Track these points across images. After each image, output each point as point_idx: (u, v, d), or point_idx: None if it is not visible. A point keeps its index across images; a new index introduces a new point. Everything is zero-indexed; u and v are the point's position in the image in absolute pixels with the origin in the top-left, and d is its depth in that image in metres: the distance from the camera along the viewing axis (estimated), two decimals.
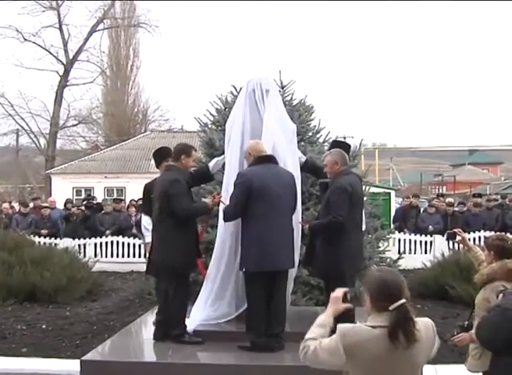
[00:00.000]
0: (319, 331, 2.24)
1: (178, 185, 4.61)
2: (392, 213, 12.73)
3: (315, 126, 7.79)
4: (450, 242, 9.73)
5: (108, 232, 11.22)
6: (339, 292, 2.34)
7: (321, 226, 4.52)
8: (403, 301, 2.16)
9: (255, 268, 4.35)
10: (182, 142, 5.35)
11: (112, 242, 11.15)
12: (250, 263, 4.35)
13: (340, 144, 5.54)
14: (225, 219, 4.58)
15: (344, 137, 32.18)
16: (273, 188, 4.44)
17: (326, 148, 7.08)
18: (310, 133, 7.76)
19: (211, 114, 7.81)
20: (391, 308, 2.15)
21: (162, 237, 4.63)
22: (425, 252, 10.90)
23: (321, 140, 7.65)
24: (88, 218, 11.44)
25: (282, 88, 7.71)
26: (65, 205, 12.62)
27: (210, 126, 7.85)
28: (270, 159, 4.60)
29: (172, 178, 4.65)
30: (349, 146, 5.71)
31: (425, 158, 74.68)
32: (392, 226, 11.25)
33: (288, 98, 7.88)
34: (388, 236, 7.80)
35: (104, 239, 11.16)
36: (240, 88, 7.33)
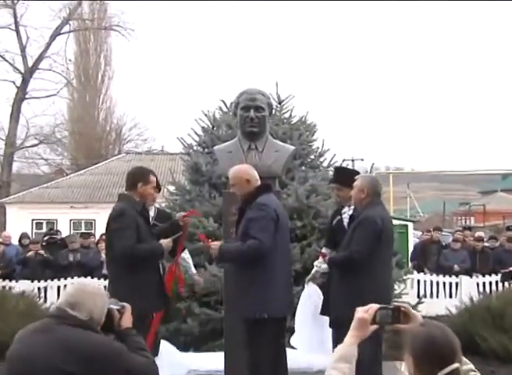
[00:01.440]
0: (344, 367, 2.04)
1: (121, 219, 4.59)
2: (410, 249, 12.78)
3: (318, 147, 7.92)
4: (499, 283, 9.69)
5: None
6: (366, 312, 2.18)
7: (335, 260, 4.66)
8: (457, 365, 2.02)
9: (279, 312, 4.44)
10: (137, 166, 5.39)
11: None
12: (272, 306, 4.40)
13: (345, 172, 5.63)
14: (262, 251, 4.38)
15: (352, 160, 32.51)
16: (286, 221, 4.66)
17: (330, 173, 7.19)
18: (312, 156, 7.88)
19: (196, 134, 7.92)
20: (440, 374, 1.99)
21: (112, 280, 4.69)
22: (450, 296, 10.85)
23: (325, 164, 7.76)
24: (49, 262, 11.39)
25: (280, 104, 7.87)
26: (19, 241, 12.37)
27: (195, 147, 7.97)
28: (272, 188, 4.72)
29: (117, 210, 4.65)
30: (354, 173, 5.78)
31: (449, 183, 75.13)
32: (409, 264, 11.28)
33: (286, 114, 8.03)
34: (405, 276, 7.85)
35: (69, 281, 11.11)
36: (231, 104, 7.49)
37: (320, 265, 5.27)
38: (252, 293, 4.33)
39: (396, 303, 2.28)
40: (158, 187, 5.62)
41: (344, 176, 5.36)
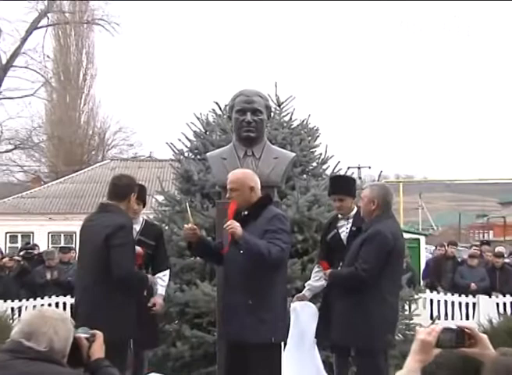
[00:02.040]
0: None
1: (124, 233, 4.60)
2: (423, 266, 12.80)
3: (321, 154, 7.96)
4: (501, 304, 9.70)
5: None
6: (429, 334, 2.12)
7: (340, 276, 4.68)
8: None
9: (284, 336, 4.65)
10: (124, 174, 5.44)
11: (56, 304, 11.08)
12: (280, 331, 4.52)
13: (340, 180, 5.67)
14: (267, 264, 4.43)
15: (359, 167, 32.56)
16: None
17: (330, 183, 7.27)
18: (314, 164, 7.91)
19: (187, 139, 7.95)
20: None
21: (97, 303, 4.61)
22: (466, 318, 10.83)
23: (328, 172, 7.78)
24: (26, 272, 11.38)
25: (279, 106, 7.91)
26: None
27: (186, 154, 8.00)
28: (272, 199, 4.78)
29: (117, 224, 4.59)
30: (353, 181, 5.83)
31: (465, 193, 75.20)
32: (422, 282, 11.29)
33: (286, 118, 8.07)
34: (417, 296, 7.86)
35: (46, 300, 11.09)
36: (226, 106, 7.52)
37: (314, 284, 5.31)
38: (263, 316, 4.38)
39: (460, 324, 2.26)
40: (142, 200, 5.68)
41: (349, 184, 5.39)
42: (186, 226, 4.61)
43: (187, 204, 5.17)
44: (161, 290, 5.61)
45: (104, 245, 4.56)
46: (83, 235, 4.89)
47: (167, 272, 5.75)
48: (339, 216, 5.48)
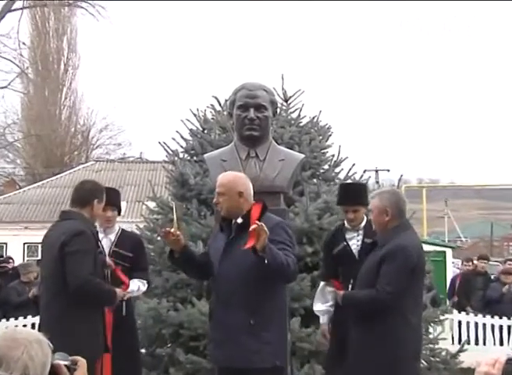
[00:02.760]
0: None
1: (81, 240, 4.68)
2: (449, 283, 12.77)
3: (333, 155, 7.98)
4: None
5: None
6: (493, 366, 2.09)
7: (357, 300, 4.68)
8: None
9: (285, 360, 4.71)
10: (88, 179, 5.61)
11: (32, 325, 11.10)
12: (283, 353, 4.59)
13: (353, 189, 5.69)
14: (289, 278, 4.55)
15: (376, 171, 32.54)
16: None
17: (339, 191, 7.29)
18: (325, 166, 7.93)
19: (183, 138, 7.99)
20: None
21: (58, 320, 4.65)
22: (501, 343, 10.76)
23: (341, 175, 7.81)
24: None
25: (286, 101, 7.94)
26: None
27: (181, 155, 8.03)
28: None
29: (74, 229, 4.70)
30: (366, 188, 5.85)
31: (498, 200, 74.94)
32: (448, 301, 11.26)
33: (294, 115, 8.10)
34: (442, 317, 7.85)
35: (21, 321, 11.11)
36: (226, 101, 7.55)
37: (329, 308, 5.32)
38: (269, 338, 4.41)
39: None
40: (116, 206, 5.76)
41: (362, 193, 5.42)
42: (167, 229, 4.60)
43: (174, 204, 5.19)
44: (132, 285, 5.68)
45: (60, 255, 4.66)
46: (42, 247, 5.03)
47: (144, 281, 5.84)
48: (347, 226, 5.50)
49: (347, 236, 5.43)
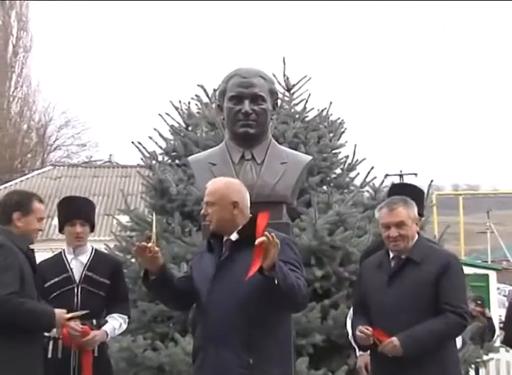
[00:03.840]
0: None
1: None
2: (494, 313, 12.71)
3: (347, 157, 7.97)
4: None
5: None
6: None
7: (426, 339, 4.73)
8: None
9: None
10: (15, 190, 5.77)
11: None
12: None
13: (406, 189, 5.71)
14: (300, 304, 4.52)
15: (401, 175, 32.40)
16: None
17: (366, 195, 7.23)
18: (338, 170, 7.93)
19: (161, 137, 7.99)
20: None
21: None
22: None
23: (357, 181, 7.83)
24: None
25: (289, 91, 7.95)
26: None
27: (160, 157, 8.03)
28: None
29: None
30: (422, 193, 5.92)
31: None
32: (494, 336, 11.22)
33: (298, 107, 8.11)
34: (487, 356, 7.84)
35: None
36: (214, 91, 7.55)
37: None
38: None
39: None
40: (87, 221, 5.76)
41: (418, 199, 5.45)
42: (143, 243, 4.56)
43: (154, 216, 5.14)
44: (109, 325, 5.68)
45: None
46: None
47: (125, 317, 5.85)
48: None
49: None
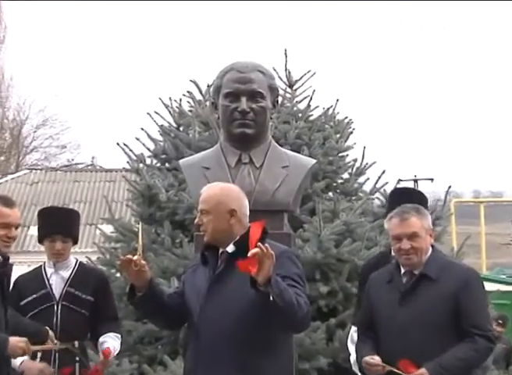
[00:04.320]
0: None
1: None
2: None
3: (355, 160, 7.97)
4: None
5: None
6: None
7: (456, 367, 4.72)
8: None
9: None
10: None
11: None
12: None
13: (406, 193, 5.73)
14: (301, 324, 4.48)
15: (415, 180, 32.28)
16: None
17: (377, 202, 7.25)
18: (345, 175, 7.94)
19: (150, 138, 8.00)
20: None
21: None
22: None
23: (367, 187, 7.84)
24: None
25: (291, 87, 7.96)
26: None
27: (148, 160, 8.03)
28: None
29: None
30: (425, 199, 5.91)
31: None
32: None
33: (301, 105, 8.12)
34: None
35: None
36: (208, 87, 7.57)
37: None
38: None
39: None
40: (68, 235, 5.76)
41: (406, 199, 5.44)
42: (128, 256, 4.53)
43: (140, 226, 5.13)
44: (111, 345, 5.65)
45: None
46: None
47: (120, 337, 5.83)
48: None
49: (402, 271, 5.44)
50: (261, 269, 4.04)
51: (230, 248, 4.50)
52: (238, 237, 4.50)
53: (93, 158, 36.80)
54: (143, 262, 4.45)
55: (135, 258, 4.43)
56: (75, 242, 5.89)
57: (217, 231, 4.53)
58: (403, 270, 4.94)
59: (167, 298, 4.71)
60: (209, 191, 4.63)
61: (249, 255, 4.06)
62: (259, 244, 4.06)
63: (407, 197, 5.53)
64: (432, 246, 4.99)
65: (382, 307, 4.96)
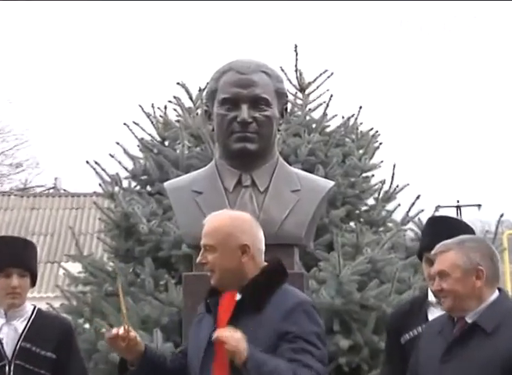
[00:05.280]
0: None
1: None
2: None
3: (383, 182, 7.98)
4: None
5: None
6: None
7: None
8: None
9: None
10: None
11: None
12: None
13: (445, 223, 5.74)
14: None
15: (458, 207, 31.98)
16: None
17: (410, 235, 7.26)
18: (370, 200, 7.95)
19: (127, 154, 8.03)
20: None
21: None
22: None
23: (397, 216, 7.84)
24: None
25: (302, 91, 7.97)
26: None
27: (126, 183, 8.07)
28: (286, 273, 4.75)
29: None
30: (471, 230, 5.92)
31: None
32: None
33: (316, 113, 8.14)
34: None
35: None
36: (200, 91, 7.57)
37: None
38: None
39: None
40: (27, 269, 5.77)
41: (446, 232, 5.44)
42: (113, 331, 4.53)
43: (119, 280, 5.15)
44: None
45: None
46: None
47: None
48: (431, 299, 5.49)
49: (430, 315, 5.44)
50: (229, 353, 4.17)
51: (238, 297, 4.45)
52: (248, 281, 4.46)
53: (55, 179, 36.85)
54: (132, 334, 4.44)
55: (120, 333, 4.44)
56: (33, 283, 5.86)
57: (226, 272, 4.49)
58: (456, 318, 4.93)
59: (170, 362, 4.71)
60: (215, 220, 4.57)
61: (213, 339, 4.22)
62: (220, 330, 4.22)
63: (445, 228, 5.50)
64: (499, 289, 4.88)
65: (425, 362, 4.94)
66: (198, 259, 4.57)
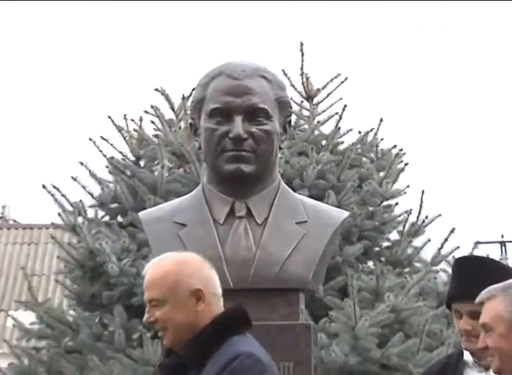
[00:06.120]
0: None
1: None
2: None
3: (409, 212, 8.01)
4: None
5: None
6: None
7: None
8: None
9: None
10: None
11: None
12: None
13: (477, 265, 5.77)
14: None
15: (503, 243, 31.95)
16: None
17: (443, 277, 7.30)
18: (393, 235, 8.00)
19: (94, 177, 8.06)
20: None
21: None
22: None
23: (426, 255, 7.87)
24: None
25: (309, 99, 8.01)
26: None
27: (91, 212, 8.10)
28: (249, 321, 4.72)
29: None
30: (509, 272, 5.94)
31: None
32: None
33: (326, 127, 8.20)
34: None
35: None
36: (184, 99, 7.61)
37: None
38: None
39: None
40: None
41: (477, 275, 5.45)
42: None
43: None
44: None
45: None
46: None
47: None
48: (467, 358, 5.52)
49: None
50: None
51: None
52: (195, 334, 4.42)
53: (3, 207, 36.97)
54: None
55: None
56: None
57: (181, 328, 4.46)
58: None
59: None
60: (156, 268, 4.54)
61: None
62: None
63: (477, 271, 5.50)
64: None
65: None
66: (145, 318, 4.54)
